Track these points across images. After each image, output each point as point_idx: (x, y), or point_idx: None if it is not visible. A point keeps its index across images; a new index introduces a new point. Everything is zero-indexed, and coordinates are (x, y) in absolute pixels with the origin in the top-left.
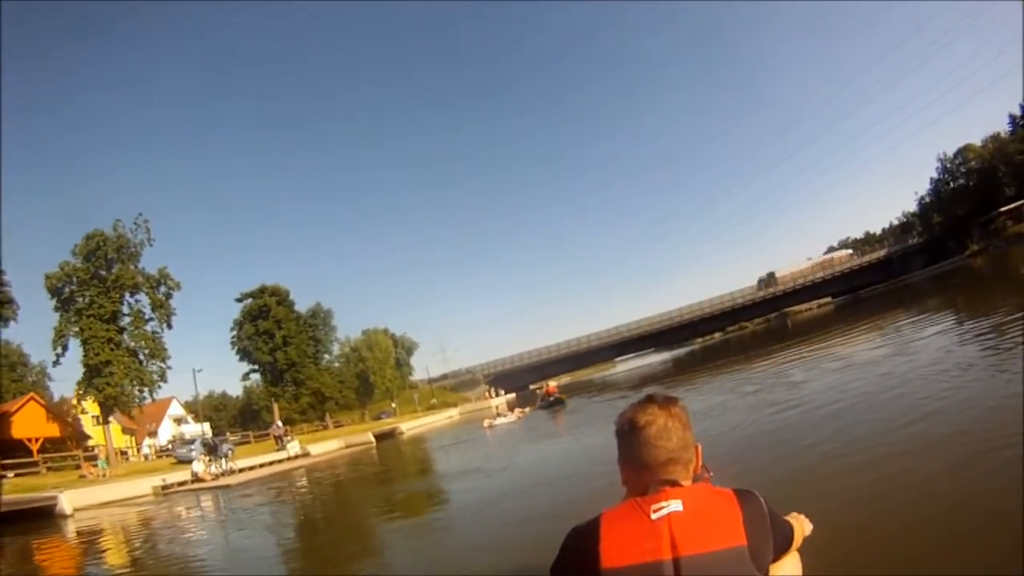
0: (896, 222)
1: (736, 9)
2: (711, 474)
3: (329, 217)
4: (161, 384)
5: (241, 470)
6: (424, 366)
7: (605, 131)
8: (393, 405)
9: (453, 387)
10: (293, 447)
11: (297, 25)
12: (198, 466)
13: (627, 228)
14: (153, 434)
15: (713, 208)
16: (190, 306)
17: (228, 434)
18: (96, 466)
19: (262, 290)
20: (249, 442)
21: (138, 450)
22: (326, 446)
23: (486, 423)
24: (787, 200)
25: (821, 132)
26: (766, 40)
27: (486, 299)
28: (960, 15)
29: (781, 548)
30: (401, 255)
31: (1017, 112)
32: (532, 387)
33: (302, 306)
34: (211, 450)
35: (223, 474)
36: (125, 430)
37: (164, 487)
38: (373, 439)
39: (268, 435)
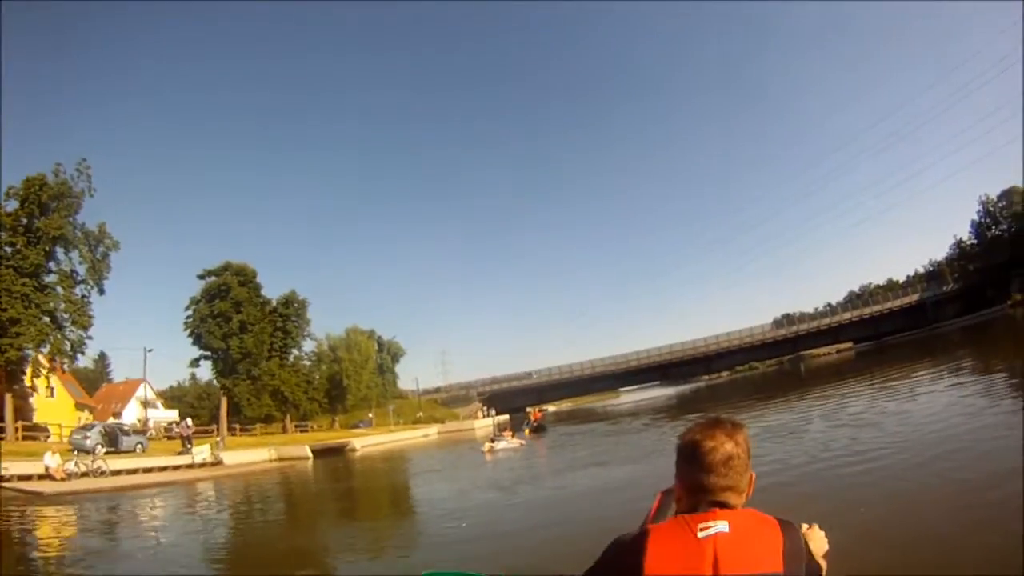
0: (922, 270)
1: (764, 41)
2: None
3: (336, 213)
4: (80, 354)
5: (116, 472)
6: (414, 376)
7: (625, 157)
8: (370, 415)
9: (445, 402)
10: (201, 453)
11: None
12: (51, 459)
13: (641, 258)
14: (117, 415)
15: (730, 242)
16: (164, 284)
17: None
18: None
19: (225, 267)
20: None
21: None
22: (251, 455)
23: (486, 447)
24: (805, 240)
25: (845, 172)
26: (792, 70)
27: (493, 315)
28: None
29: None
30: (410, 259)
31: None
32: (528, 410)
33: (278, 294)
34: (112, 440)
35: (85, 474)
36: (79, 406)
37: None
38: (310, 454)
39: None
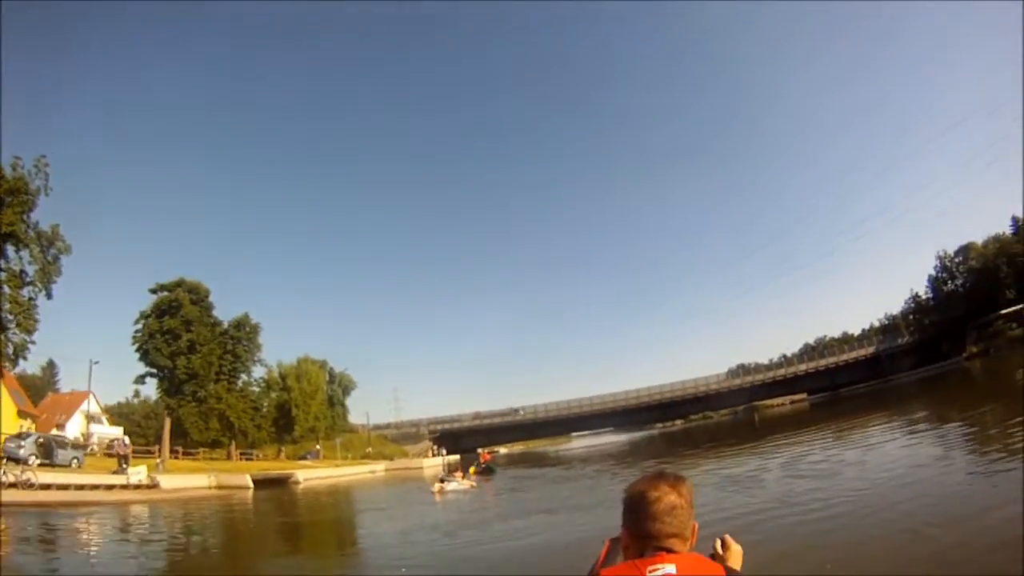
0: (878, 323)
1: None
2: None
3: (298, 241)
4: (23, 358)
5: (46, 486)
6: (365, 411)
7: (588, 204)
8: (318, 447)
9: (395, 438)
10: (136, 474)
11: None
12: None
13: (597, 306)
14: (61, 427)
15: (685, 292)
16: (118, 296)
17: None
18: None
19: (178, 283)
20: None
21: None
22: (189, 480)
23: (436, 487)
24: (762, 290)
25: (803, 223)
26: (755, 122)
27: (449, 355)
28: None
29: None
30: (370, 295)
31: (1020, 214)
32: (479, 451)
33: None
34: (47, 452)
35: (13, 484)
36: (21, 414)
37: None
38: (251, 483)
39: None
